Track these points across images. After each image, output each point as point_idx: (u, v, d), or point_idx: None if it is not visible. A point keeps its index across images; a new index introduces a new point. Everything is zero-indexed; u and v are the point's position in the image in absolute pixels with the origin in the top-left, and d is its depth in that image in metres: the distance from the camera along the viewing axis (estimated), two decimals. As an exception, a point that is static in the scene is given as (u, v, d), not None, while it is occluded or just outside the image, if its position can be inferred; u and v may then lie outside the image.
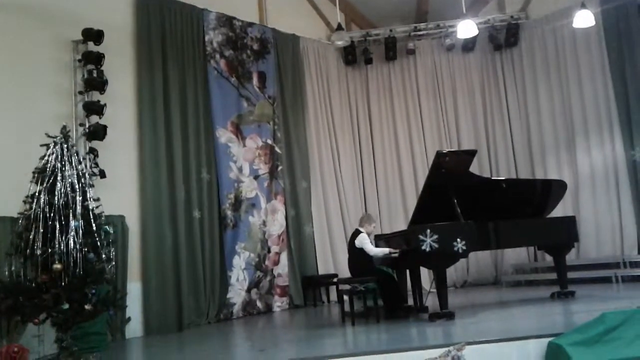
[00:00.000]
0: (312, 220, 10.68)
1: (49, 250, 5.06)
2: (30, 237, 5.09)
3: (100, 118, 7.73)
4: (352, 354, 4.77)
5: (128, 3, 8.71)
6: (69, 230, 5.16)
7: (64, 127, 5.59)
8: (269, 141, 10.32)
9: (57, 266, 5.02)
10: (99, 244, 5.42)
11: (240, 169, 9.76)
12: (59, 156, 5.39)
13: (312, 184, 10.86)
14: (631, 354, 4.25)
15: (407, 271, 7.68)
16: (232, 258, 9.32)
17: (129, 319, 7.56)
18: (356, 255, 7.07)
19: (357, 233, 7.14)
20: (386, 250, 7.03)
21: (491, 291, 10.01)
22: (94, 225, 5.42)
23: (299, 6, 11.67)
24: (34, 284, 5.07)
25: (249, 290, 9.43)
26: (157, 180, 8.36)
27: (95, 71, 7.79)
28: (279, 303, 9.84)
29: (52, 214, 5.15)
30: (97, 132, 7.61)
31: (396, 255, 6.90)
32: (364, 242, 7.00)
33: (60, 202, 5.23)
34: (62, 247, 5.09)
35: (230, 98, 9.87)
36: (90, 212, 5.46)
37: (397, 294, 7.31)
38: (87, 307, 5.20)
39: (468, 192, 7.04)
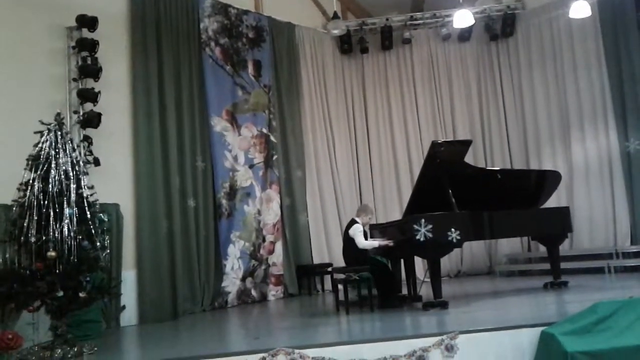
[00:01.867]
0: (307, 209, 10.68)
1: (44, 237, 5.06)
2: (25, 224, 5.09)
3: (94, 105, 7.68)
4: (346, 342, 4.78)
5: (123, -11, 8.64)
6: (64, 218, 5.16)
7: (58, 114, 5.57)
8: (264, 130, 10.29)
9: (52, 254, 5.02)
10: (93, 231, 5.42)
11: (235, 158, 9.74)
12: (53, 143, 5.38)
13: (307, 173, 10.85)
14: (622, 343, 4.28)
15: (402, 260, 7.70)
16: (227, 247, 9.32)
17: (124, 307, 7.56)
18: (351, 244, 7.09)
19: (352, 223, 7.16)
20: (375, 243, 7.05)
21: (485, 281, 10.06)
22: (88, 213, 5.42)
23: (294, -6, 11.61)
24: (28, 272, 5.06)
25: (243, 279, 9.45)
26: (152, 169, 8.32)
27: (89, 58, 7.72)
28: (273, 292, 9.87)
29: (46, 202, 5.14)
30: (92, 120, 7.56)
31: (391, 245, 6.93)
32: (356, 233, 7.01)
33: (55, 190, 5.22)
34: (56, 235, 5.09)
35: (225, 86, 9.82)
36: (85, 200, 5.45)
37: (391, 283, 7.34)
38: (81, 294, 5.22)
39: (463, 182, 7.05)
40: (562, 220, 7.70)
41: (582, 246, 10.26)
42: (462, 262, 11.32)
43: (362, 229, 7.11)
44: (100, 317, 6.83)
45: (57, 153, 5.36)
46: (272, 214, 10.12)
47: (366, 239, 7.18)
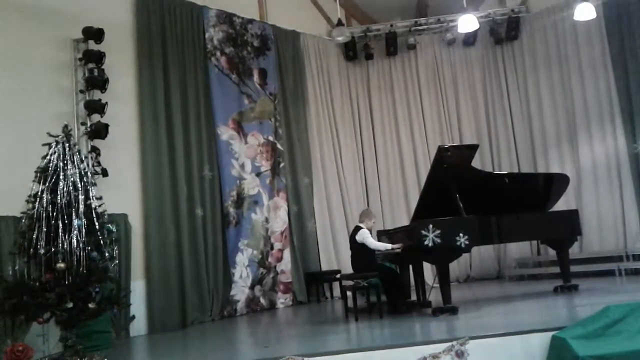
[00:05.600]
0: (314, 216, 10.69)
1: (53, 249, 5.07)
2: (34, 236, 5.10)
3: (101, 117, 7.74)
4: (355, 350, 4.77)
5: (128, 1, 8.70)
6: (72, 229, 5.17)
7: (66, 126, 5.60)
8: (271, 138, 10.31)
9: (61, 265, 5.03)
10: (102, 242, 5.43)
11: (242, 166, 9.76)
12: (61, 155, 5.40)
13: (314, 180, 10.86)
14: (635, 346, 4.24)
15: (410, 266, 7.68)
16: (235, 255, 9.33)
17: (133, 317, 7.59)
18: (358, 251, 7.07)
19: (357, 229, 7.15)
20: (388, 245, 7.02)
21: (494, 285, 10.01)
22: (97, 223, 5.43)
23: (298, 2, 11.64)
24: (37, 283, 5.08)
25: (252, 287, 9.45)
26: (160, 178, 8.37)
27: (96, 70, 7.78)
28: (282, 299, 9.86)
29: (55, 213, 5.16)
30: (99, 131, 7.62)
31: (399, 250, 6.91)
32: (365, 237, 7.00)
33: (63, 201, 5.23)
34: (65, 246, 5.10)
35: (231, 95, 9.86)
36: (93, 211, 5.46)
37: (400, 289, 7.32)
38: (91, 305, 5.22)
39: (470, 186, 7.03)
40: (571, 223, 7.67)
41: (591, 249, 10.19)
42: (471, 267, 11.27)
43: (369, 233, 7.10)
44: (110, 327, 6.84)
45: (65, 165, 5.38)
46: (279, 221, 10.12)
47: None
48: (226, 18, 10.01)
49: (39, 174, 5.35)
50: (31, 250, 5.09)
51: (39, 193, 5.24)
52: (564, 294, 7.53)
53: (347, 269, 8.37)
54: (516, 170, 11.28)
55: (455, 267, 10.67)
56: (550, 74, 11.11)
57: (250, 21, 10.42)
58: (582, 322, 4.66)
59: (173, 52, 8.98)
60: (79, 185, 5.39)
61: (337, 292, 10.15)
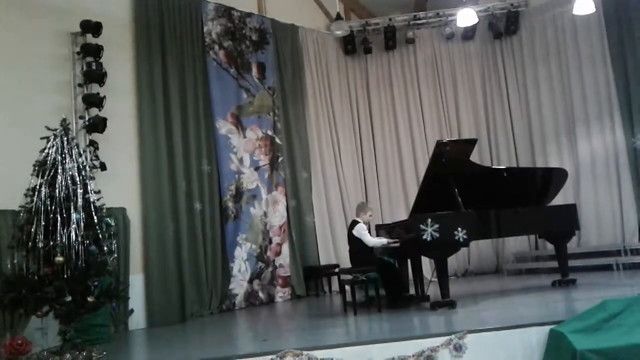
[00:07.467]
0: (313, 210, 10.68)
1: (51, 243, 5.07)
2: (32, 230, 5.10)
3: (99, 110, 7.72)
4: (354, 343, 4.79)
5: (126, -6, 8.68)
6: (71, 223, 5.16)
7: (64, 119, 5.58)
8: (269, 132, 10.30)
9: (59, 259, 5.03)
10: (100, 236, 5.43)
11: (240, 161, 9.76)
12: (59, 149, 5.39)
13: (313, 175, 10.85)
14: (632, 340, 4.25)
15: (409, 260, 7.69)
16: (233, 249, 9.34)
17: (132, 310, 7.60)
18: (356, 245, 7.08)
19: (354, 223, 7.16)
20: (384, 240, 7.04)
21: (492, 280, 10.03)
22: (95, 217, 5.43)
23: (297, -4, 11.63)
24: (36, 277, 5.08)
25: (251, 281, 9.46)
26: (158, 172, 8.36)
27: (94, 63, 7.76)
28: (280, 294, 9.87)
29: (53, 207, 5.15)
30: (97, 125, 7.60)
31: (397, 245, 6.92)
32: (362, 232, 7.01)
33: (61, 195, 5.23)
34: (64, 240, 5.10)
35: (229, 89, 9.84)
36: (92, 205, 5.46)
37: (398, 284, 7.34)
38: (89, 299, 5.23)
39: (469, 181, 7.04)
40: (569, 218, 7.68)
41: (589, 243, 10.19)
42: (469, 261, 11.28)
43: (366, 227, 7.11)
44: (109, 321, 6.85)
45: (63, 158, 5.37)
46: (278, 215, 10.13)
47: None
48: (224, 12, 9.98)
49: (37, 168, 5.34)
50: (30, 244, 5.08)
51: (37, 187, 5.23)
52: (562, 288, 7.55)
53: (346, 263, 8.40)
54: (515, 165, 11.29)
55: (454, 262, 10.68)
56: (549, 69, 11.10)
57: (249, 15, 10.39)
58: (580, 316, 4.68)
59: (171, 46, 8.95)
60: (77, 179, 5.39)
61: (335, 286, 10.17)
